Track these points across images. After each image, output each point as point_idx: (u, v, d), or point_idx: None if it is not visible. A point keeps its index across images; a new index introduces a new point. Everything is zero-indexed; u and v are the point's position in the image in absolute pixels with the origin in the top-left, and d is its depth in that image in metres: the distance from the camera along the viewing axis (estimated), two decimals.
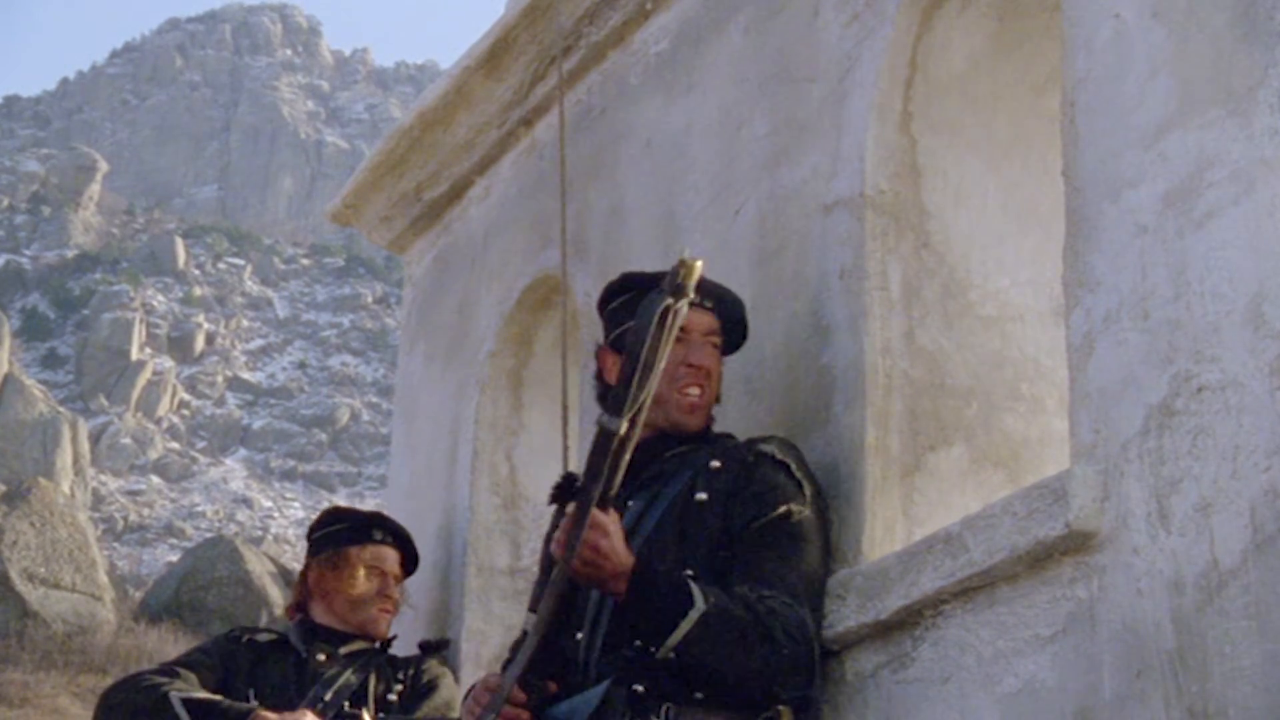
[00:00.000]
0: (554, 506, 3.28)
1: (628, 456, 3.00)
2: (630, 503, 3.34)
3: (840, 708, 3.33)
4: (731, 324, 3.56)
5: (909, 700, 3.18)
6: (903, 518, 3.48)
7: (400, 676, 4.38)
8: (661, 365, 2.97)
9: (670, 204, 4.36)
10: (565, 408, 4.47)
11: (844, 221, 3.67)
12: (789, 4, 4.06)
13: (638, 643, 3.10)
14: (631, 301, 3.34)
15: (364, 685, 4.32)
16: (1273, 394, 2.64)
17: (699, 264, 2.93)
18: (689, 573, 3.15)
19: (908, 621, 3.19)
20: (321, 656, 4.35)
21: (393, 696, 4.35)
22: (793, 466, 3.33)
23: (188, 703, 4.12)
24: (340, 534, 4.51)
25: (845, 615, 3.27)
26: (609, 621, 3.20)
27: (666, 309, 2.93)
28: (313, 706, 4.17)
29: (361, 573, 4.44)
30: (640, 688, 3.08)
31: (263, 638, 4.47)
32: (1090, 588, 2.87)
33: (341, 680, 4.29)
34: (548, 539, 3.37)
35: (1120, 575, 2.82)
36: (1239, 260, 2.75)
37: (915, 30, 3.70)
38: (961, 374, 3.63)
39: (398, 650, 4.51)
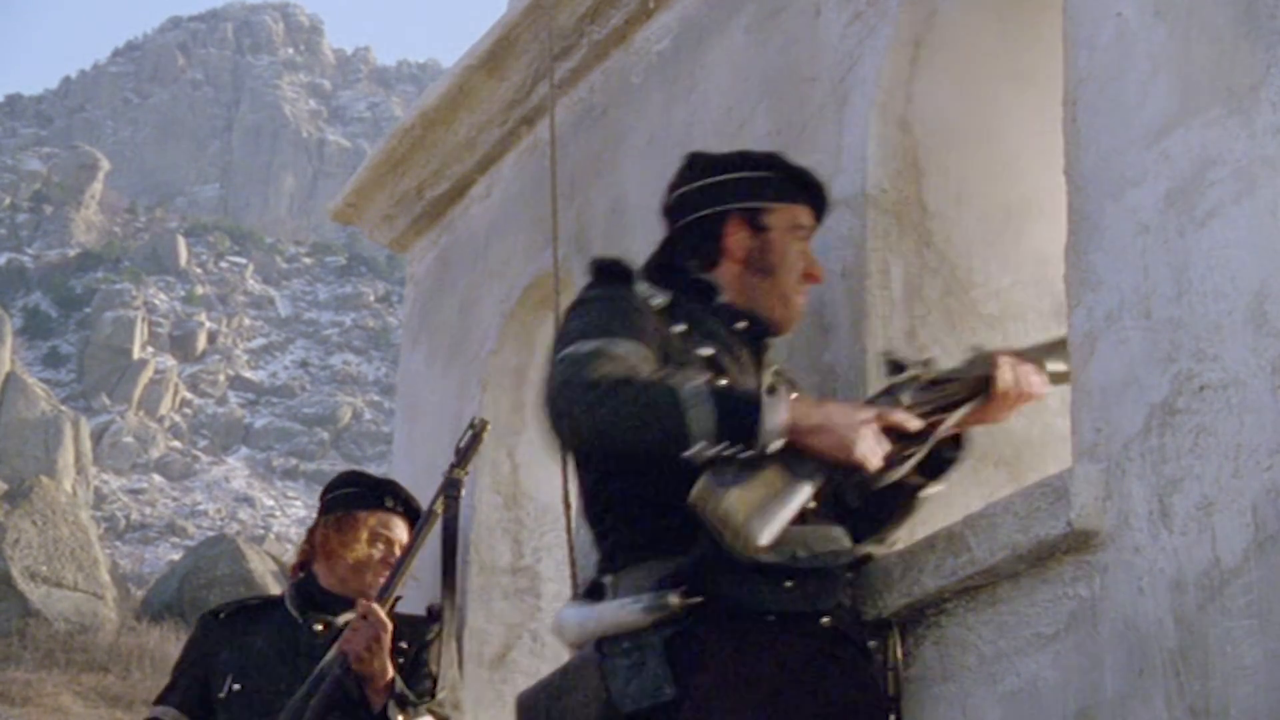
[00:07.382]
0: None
1: None
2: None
3: None
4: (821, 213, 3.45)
5: (911, 699, 3.18)
6: None
7: (403, 645, 4.33)
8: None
9: None
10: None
11: (845, 220, 3.66)
12: (791, 3, 4.05)
13: None
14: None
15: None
16: (1274, 393, 2.64)
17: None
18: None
19: (909, 620, 3.19)
20: (319, 627, 4.33)
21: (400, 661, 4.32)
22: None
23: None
24: (351, 496, 4.51)
25: None
26: None
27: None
28: (316, 685, 4.13)
29: (365, 537, 4.42)
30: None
31: (252, 602, 4.50)
32: (1092, 586, 2.87)
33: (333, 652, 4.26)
34: None
35: (1122, 574, 2.82)
36: (1241, 259, 2.75)
37: (917, 29, 3.70)
38: None
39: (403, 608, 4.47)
